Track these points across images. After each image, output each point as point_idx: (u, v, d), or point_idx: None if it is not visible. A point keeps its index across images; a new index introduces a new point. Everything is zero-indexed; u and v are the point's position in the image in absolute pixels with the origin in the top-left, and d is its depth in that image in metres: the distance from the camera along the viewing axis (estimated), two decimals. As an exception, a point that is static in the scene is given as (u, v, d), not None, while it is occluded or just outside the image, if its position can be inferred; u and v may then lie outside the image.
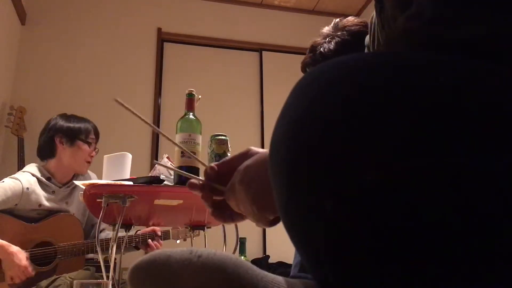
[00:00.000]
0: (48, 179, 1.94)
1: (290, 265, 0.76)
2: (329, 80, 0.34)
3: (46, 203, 1.89)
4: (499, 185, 0.29)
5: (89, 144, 1.99)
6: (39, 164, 2.01)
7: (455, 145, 0.29)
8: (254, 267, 0.45)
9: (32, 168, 1.95)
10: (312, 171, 0.32)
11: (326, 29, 1.21)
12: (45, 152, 1.99)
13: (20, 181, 1.83)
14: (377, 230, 0.30)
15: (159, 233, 1.96)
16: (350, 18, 1.21)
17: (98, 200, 1.26)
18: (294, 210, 0.34)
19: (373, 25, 0.77)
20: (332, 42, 1.16)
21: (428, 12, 0.39)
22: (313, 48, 1.20)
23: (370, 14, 0.78)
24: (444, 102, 0.31)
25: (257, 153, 0.56)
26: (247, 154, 0.58)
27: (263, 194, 0.51)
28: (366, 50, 0.85)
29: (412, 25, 0.40)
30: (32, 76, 3.08)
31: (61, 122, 1.98)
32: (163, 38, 3.41)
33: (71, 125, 1.98)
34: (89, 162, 2.01)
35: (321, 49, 1.17)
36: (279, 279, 0.47)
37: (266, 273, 0.46)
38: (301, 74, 0.39)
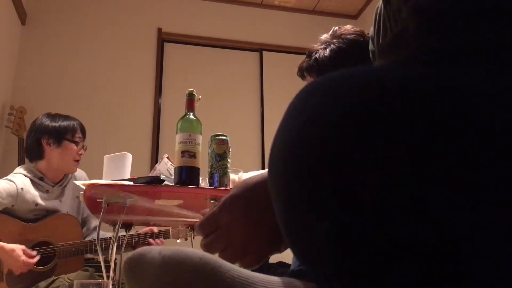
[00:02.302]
0: (41, 179, 1.95)
1: (290, 265, 0.76)
2: (322, 98, 0.35)
3: (42, 202, 1.89)
4: (499, 184, 0.29)
5: (76, 143, 1.98)
6: (29, 165, 2.01)
7: (454, 146, 0.30)
8: (229, 265, 0.46)
9: (22, 170, 1.96)
10: (312, 185, 0.33)
11: (324, 36, 1.25)
12: (34, 154, 1.99)
13: (14, 182, 1.84)
14: (380, 232, 0.30)
15: (155, 230, 1.96)
16: (348, 27, 1.24)
17: (98, 200, 1.26)
18: (295, 223, 0.35)
19: (377, 16, 0.78)
20: (327, 49, 1.19)
21: (412, 28, 0.40)
22: (309, 53, 1.23)
23: (370, 15, 0.79)
24: (437, 112, 0.31)
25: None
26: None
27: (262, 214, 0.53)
28: (370, 42, 0.87)
29: (399, 40, 0.42)
30: (32, 76, 3.08)
31: (47, 123, 1.97)
32: (163, 38, 3.41)
33: (57, 125, 1.97)
34: (77, 161, 2.01)
35: (316, 55, 1.20)
36: (256, 278, 0.47)
37: (241, 270, 0.47)
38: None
